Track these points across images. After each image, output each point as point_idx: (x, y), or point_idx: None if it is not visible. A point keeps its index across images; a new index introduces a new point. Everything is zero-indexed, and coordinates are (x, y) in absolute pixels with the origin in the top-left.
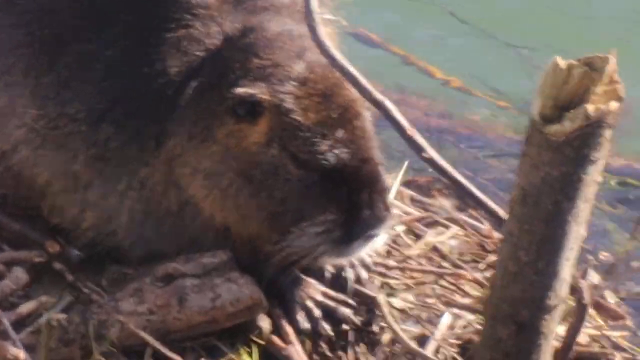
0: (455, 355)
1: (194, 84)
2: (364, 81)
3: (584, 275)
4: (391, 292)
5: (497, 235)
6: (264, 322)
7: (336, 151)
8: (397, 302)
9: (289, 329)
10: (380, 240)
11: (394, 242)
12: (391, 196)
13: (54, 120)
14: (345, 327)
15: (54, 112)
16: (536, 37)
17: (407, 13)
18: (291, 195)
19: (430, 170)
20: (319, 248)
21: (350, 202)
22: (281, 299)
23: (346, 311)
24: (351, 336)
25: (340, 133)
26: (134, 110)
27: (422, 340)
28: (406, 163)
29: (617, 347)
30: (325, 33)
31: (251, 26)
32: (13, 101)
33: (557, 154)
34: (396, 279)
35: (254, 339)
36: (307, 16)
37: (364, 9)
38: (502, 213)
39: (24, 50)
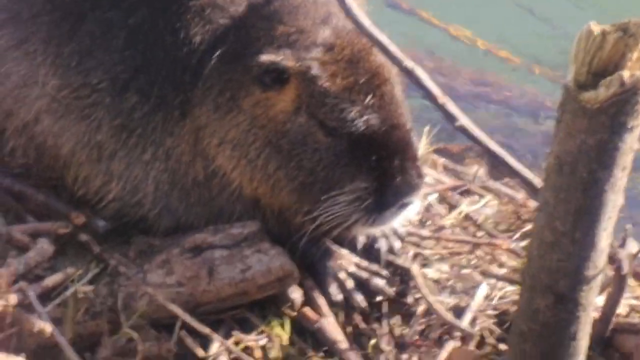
0: (492, 327)
1: (218, 53)
2: (393, 48)
3: (622, 245)
4: (425, 262)
5: (532, 203)
6: (296, 294)
7: (365, 117)
8: (431, 272)
9: (321, 301)
10: (413, 208)
11: (427, 211)
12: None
13: (76, 90)
14: (378, 298)
15: (76, 81)
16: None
17: None
18: (320, 163)
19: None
20: (351, 217)
21: (381, 169)
22: (313, 270)
23: (380, 282)
24: (385, 308)
25: (368, 99)
26: (157, 80)
27: (457, 311)
28: (427, 127)
29: None
30: None
31: None
32: (34, 70)
33: (592, 121)
34: (430, 249)
35: (286, 311)
36: None
37: None
38: (537, 182)
39: (44, 18)
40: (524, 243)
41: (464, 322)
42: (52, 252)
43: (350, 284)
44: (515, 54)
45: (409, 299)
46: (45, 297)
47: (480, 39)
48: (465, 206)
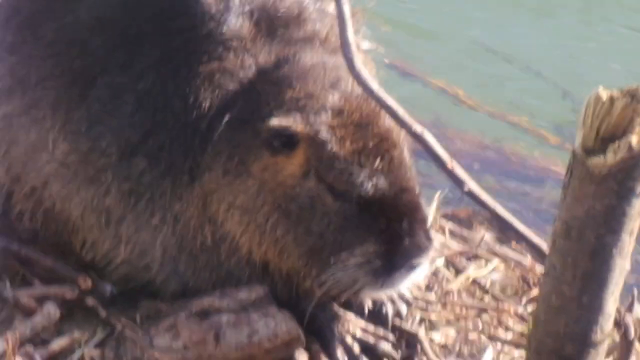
0: None
1: (227, 118)
2: (402, 112)
3: (629, 309)
4: (432, 326)
5: (539, 268)
6: (302, 358)
7: (374, 181)
8: (438, 337)
9: None
10: (422, 271)
11: (434, 276)
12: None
13: (85, 155)
14: None
15: (85, 146)
16: (571, 68)
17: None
18: (329, 228)
19: (471, 201)
20: (359, 280)
21: (390, 232)
22: (319, 334)
23: (386, 346)
24: None
25: (377, 162)
26: (166, 144)
27: None
28: (438, 193)
29: None
30: (362, 63)
31: (285, 58)
32: (43, 136)
33: (600, 186)
34: (437, 313)
35: None
36: (344, 47)
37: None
38: (544, 246)
39: (52, 82)
40: (530, 307)
41: None
42: (59, 316)
43: (356, 348)
44: (526, 121)
45: None
46: None
47: (490, 104)
48: (472, 271)
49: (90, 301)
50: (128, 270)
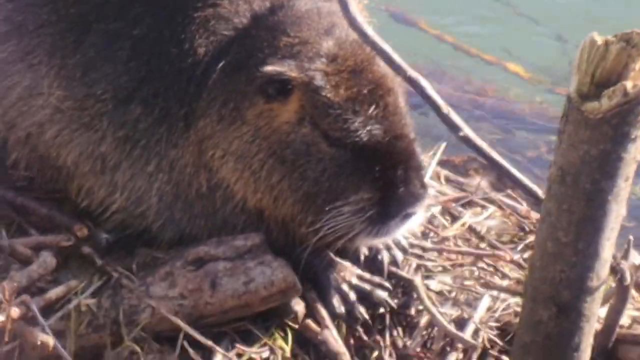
0: (495, 338)
1: (222, 64)
2: (397, 58)
3: (625, 256)
4: (428, 274)
5: (535, 215)
6: (299, 306)
7: (368, 128)
8: (434, 284)
9: (324, 313)
10: (417, 219)
11: (430, 223)
12: (427, 176)
13: (80, 101)
14: (381, 310)
15: (81, 92)
16: (569, 15)
17: None
18: (324, 174)
19: (466, 148)
20: (354, 228)
21: (385, 179)
22: (315, 282)
23: (382, 294)
24: (387, 320)
25: (372, 109)
26: (162, 91)
27: (460, 323)
28: (444, 144)
29: None
30: (356, 8)
31: (280, 3)
32: (38, 82)
33: (595, 132)
34: (433, 260)
35: (289, 323)
36: None
37: None
38: (540, 193)
39: (48, 29)
40: (526, 254)
41: (467, 334)
42: (55, 265)
43: (352, 296)
44: (522, 66)
45: (412, 311)
46: (48, 310)
47: (484, 50)
48: (468, 218)
49: (86, 250)
50: (124, 218)
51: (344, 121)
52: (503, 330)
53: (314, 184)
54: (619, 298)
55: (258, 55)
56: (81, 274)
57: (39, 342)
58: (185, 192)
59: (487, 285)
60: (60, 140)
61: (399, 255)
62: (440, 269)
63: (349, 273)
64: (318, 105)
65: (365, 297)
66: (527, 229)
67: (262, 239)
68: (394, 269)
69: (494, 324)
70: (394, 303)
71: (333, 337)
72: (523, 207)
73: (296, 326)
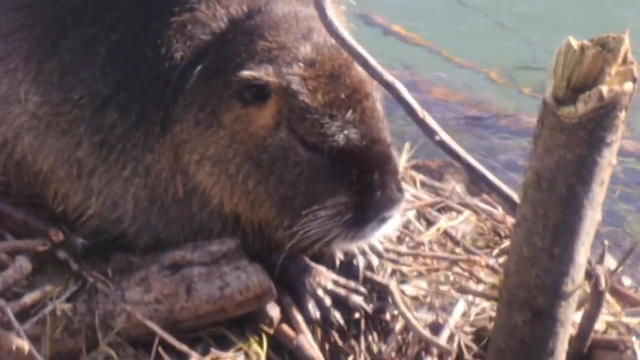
0: (470, 343)
1: (199, 68)
2: (373, 62)
3: (600, 260)
4: (403, 279)
5: (510, 220)
6: (274, 311)
7: (345, 132)
8: (409, 289)
9: (299, 318)
10: (393, 223)
11: (406, 227)
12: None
13: (57, 107)
14: (356, 315)
15: (58, 98)
16: (542, 20)
17: None
18: (301, 178)
19: (442, 153)
20: (330, 232)
21: (362, 183)
22: (291, 287)
23: (357, 299)
24: (363, 325)
25: (349, 114)
26: (138, 96)
27: (435, 327)
28: (407, 144)
29: (635, 334)
30: (334, 13)
31: (257, 8)
32: (15, 87)
33: (571, 136)
34: (408, 265)
35: (264, 328)
36: None
37: None
38: (515, 197)
39: (25, 34)
40: (502, 259)
41: (442, 339)
42: (31, 269)
43: (328, 301)
44: (494, 70)
45: (387, 316)
46: (24, 314)
47: (456, 53)
48: (444, 222)
49: (61, 254)
50: (99, 223)
51: (321, 126)
52: (478, 335)
53: (291, 188)
54: (594, 303)
55: (235, 59)
56: (57, 279)
57: (14, 347)
58: (161, 197)
59: (463, 290)
60: (37, 146)
61: (375, 260)
62: (415, 273)
63: (324, 278)
64: (295, 110)
65: (340, 302)
66: (502, 233)
67: (238, 243)
68: (369, 273)
69: (469, 329)
70: (369, 308)
71: (308, 342)
72: (499, 211)
73: (271, 331)
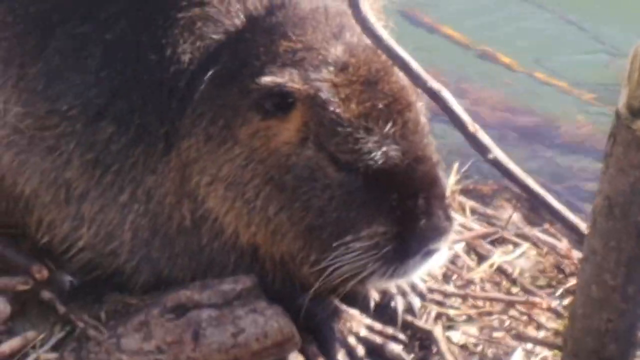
0: None
1: (210, 74)
2: (416, 66)
3: None
4: (450, 324)
5: (577, 254)
6: None
7: (384, 149)
8: (457, 336)
9: None
10: (440, 257)
11: (453, 263)
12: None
13: (42, 119)
14: None
15: (43, 108)
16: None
17: None
18: (331, 204)
19: (496, 174)
20: (366, 268)
21: (403, 210)
22: (317, 334)
23: (396, 348)
24: None
25: (388, 127)
26: (138, 106)
27: None
28: (456, 164)
29: None
30: (369, 9)
31: (279, 2)
32: None
33: None
34: (456, 308)
35: None
36: None
37: None
38: (583, 227)
39: (4, 33)
40: (566, 301)
41: None
42: (10, 312)
43: (360, 350)
44: (560, 78)
45: None
46: None
47: (513, 58)
48: (498, 257)
49: (46, 295)
50: (91, 257)
51: (355, 141)
52: None
53: (319, 215)
54: None
55: (253, 63)
56: (41, 324)
57: None
58: (164, 226)
59: (520, 337)
60: (18, 165)
61: (416, 302)
62: (464, 317)
63: (357, 323)
64: (324, 123)
65: (375, 352)
66: (567, 270)
67: (255, 281)
68: (409, 318)
69: None
70: (409, 358)
71: None
72: (563, 244)
73: None
